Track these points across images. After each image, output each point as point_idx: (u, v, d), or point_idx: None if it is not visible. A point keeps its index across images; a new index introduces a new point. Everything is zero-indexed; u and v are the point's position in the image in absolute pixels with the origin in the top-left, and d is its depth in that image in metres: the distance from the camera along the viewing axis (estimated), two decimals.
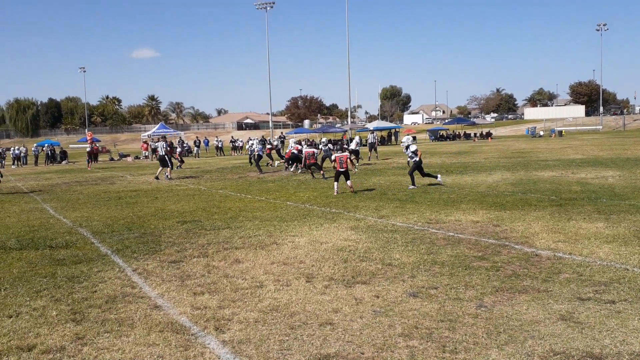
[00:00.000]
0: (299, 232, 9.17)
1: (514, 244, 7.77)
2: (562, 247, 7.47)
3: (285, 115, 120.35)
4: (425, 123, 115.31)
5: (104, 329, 4.87)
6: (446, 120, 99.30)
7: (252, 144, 26.19)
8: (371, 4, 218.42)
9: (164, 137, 24.36)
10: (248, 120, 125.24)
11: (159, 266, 7.15)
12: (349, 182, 14.68)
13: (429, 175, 15.71)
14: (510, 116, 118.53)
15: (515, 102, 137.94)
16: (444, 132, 67.70)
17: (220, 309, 5.34)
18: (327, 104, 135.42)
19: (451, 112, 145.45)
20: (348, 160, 14.92)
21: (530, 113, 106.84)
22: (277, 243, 8.37)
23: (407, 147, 16.73)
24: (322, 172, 19.70)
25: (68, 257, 7.79)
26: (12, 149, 43.78)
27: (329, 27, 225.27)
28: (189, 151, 41.24)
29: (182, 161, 29.41)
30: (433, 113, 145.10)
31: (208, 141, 55.91)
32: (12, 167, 39.46)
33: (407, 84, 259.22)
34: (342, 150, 16.36)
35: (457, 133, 66.88)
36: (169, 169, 21.68)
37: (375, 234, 8.82)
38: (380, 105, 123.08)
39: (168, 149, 23.03)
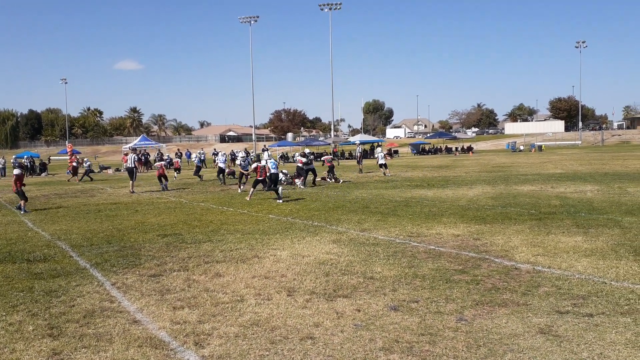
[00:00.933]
0: (281, 246, 9.14)
1: (494, 257, 7.83)
2: (541, 260, 7.55)
3: (269, 128, 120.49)
4: (408, 137, 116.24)
5: (82, 344, 4.80)
6: (428, 135, 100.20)
7: (217, 157, 26.88)
8: (355, 19, 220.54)
9: (134, 150, 24.05)
10: (231, 133, 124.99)
11: (138, 280, 7.06)
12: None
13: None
14: (491, 131, 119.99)
15: (496, 117, 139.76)
16: (425, 146, 68.28)
17: (200, 323, 5.29)
18: (311, 117, 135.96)
19: (433, 126, 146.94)
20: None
21: (510, 128, 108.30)
22: (259, 256, 8.34)
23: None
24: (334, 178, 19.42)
25: (46, 271, 7.67)
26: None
27: (313, 41, 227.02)
28: (170, 164, 40.90)
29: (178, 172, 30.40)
30: (415, 127, 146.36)
31: (190, 153, 55.58)
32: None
33: (389, 98, 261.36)
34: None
35: (439, 147, 67.54)
36: (132, 182, 21.57)
37: (357, 247, 8.83)
38: (363, 119, 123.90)
39: (136, 161, 22.85)
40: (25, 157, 43.99)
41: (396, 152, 61.70)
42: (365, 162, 32.54)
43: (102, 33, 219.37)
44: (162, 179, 22.40)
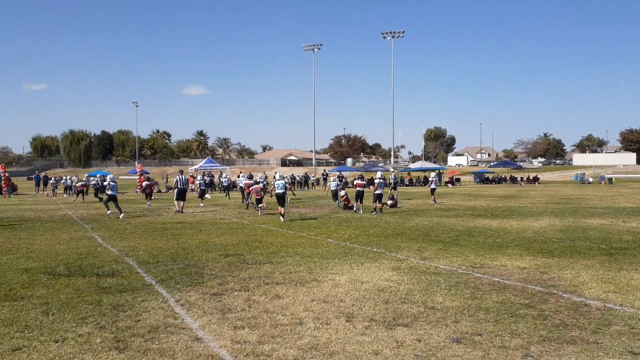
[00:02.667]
0: (340, 270, 9.12)
1: (562, 292, 7.51)
2: (612, 297, 7.17)
3: (329, 153, 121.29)
4: (470, 165, 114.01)
5: (146, 359, 4.93)
6: (492, 163, 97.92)
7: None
8: (417, 46, 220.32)
9: (181, 172, 24.21)
10: (292, 157, 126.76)
11: (201, 298, 7.22)
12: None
13: None
14: (558, 161, 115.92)
15: (564, 148, 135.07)
16: (489, 175, 66.68)
17: (259, 344, 5.33)
18: (371, 143, 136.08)
19: (497, 155, 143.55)
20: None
21: (579, 159, 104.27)
22: (318, 280, 8.35)
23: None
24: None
25: (114, 286, 7.97)
26: (64, 178, 45.44)
27: (375, 67, 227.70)
28: (233, 186, 41.88)
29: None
30: (478, 155, 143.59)
31: (252, 176, 56.69)
32: (64, 195, 40.91)
33: (452, 125, 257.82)
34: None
35: (503, 176, 65.76)
36: (183, 202, 22.16)
37: (418, 275, 8.69)
38: (424, 146, 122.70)
39: (185, 184, 23.06)
40: (97, 175, 46.10)
41: (458, 180, 60.60)
42: (423, 190, 32.11)
43: (172, 60, 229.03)
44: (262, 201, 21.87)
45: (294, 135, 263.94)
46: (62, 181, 45.14)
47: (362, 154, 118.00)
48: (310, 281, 8.28)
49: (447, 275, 8.67)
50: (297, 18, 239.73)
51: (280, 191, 18.57)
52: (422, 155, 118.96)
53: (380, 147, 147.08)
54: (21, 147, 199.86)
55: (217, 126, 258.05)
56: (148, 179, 30.51)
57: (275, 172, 30.14)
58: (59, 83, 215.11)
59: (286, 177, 35.06)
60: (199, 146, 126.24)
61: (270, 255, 10.76)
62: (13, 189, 40.90)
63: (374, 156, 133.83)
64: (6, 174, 40.48)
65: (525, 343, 5.36)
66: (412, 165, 65.28)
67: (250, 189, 22.57)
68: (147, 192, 28.64)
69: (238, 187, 30.99)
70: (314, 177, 56.33)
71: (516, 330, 5.77)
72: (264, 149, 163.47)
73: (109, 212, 20.28)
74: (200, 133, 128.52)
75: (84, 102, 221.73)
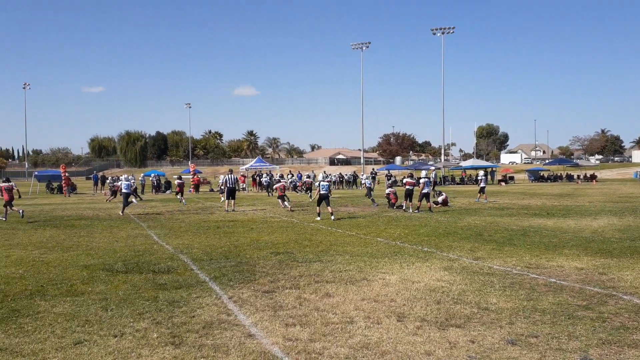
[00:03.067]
0: (390, 270, 9.07)
1: (622, 294, 7.22)
2: None
3: (377, 152, 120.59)
4: (524, 163, 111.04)
5: (201, 354, 5.05)
6: (547, 161, 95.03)
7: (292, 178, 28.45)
8: (467, 42, 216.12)
9: (230, 171, 24.65)
10: (340, 156, 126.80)
11: (253, 295, 7.34)
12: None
13: None
14: (616, 159, 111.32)
15: (622, 145, 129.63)
16: (544, 173, 64.71)
17: (311, 342, 5.37)
18: (420, 141, 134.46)
19: (552, 152, 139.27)
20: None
21: (638, 156, 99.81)
22: (368, 279, 8.33)
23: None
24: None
25: (169, 282, 8.20)
26: (122, 178, 47.03)
27: (424, 64, 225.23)
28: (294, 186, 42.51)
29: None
30: (532, 153, 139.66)
31: (301, 175, 57.10)
32: (120, 195, 42.32)
33: (504, 122, 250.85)
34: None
35: (559, 174, 63.70)
36: (233, 201, 22.93)
37: (471, 276, 8.54)
38: (476, 144, 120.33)
39: (234, 182, 23.70)
40: (152, 175, 47.45)
41: (512, 178, 59.10)
42: (469, 188, 31.39)
43: (224, 61, 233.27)
44: (285, 198, 23.95)
45: (342, 134, 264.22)
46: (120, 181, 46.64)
47: (411, 152, 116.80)
48: (360, 280, 8.27)
49: (501, 276, 8.49)
50: (346, 17, 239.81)
51: (324, 192, 19.03)
52: (473, 153, 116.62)
53: (430, 145, 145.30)
54: (80, 147, 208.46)
55: (267, 126, 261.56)
56: (180, 178, 31.46)
57: (321, 172, 30.78)
58: (116, 85, 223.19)
59: (333, 175, 36.05)
60: (249, 146, 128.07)
61: (320, 254, 10.81)
62: (73, 188, 42.63)
63: (423, 154, 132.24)
64: (66, 174, 42.23)
65: (583, 346, 5.19)
66: (464, 164, 64.05)
67: (275, 186, 24.05)
68: (177, 190, 29.49)
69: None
70: (362, 175, 56.14)
71: (574, 333, 5.59)
72: (313, 148, 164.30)
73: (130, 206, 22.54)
74: (251, 133, 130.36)
75: (140, 104, 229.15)
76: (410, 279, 8.29)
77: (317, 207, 19.08)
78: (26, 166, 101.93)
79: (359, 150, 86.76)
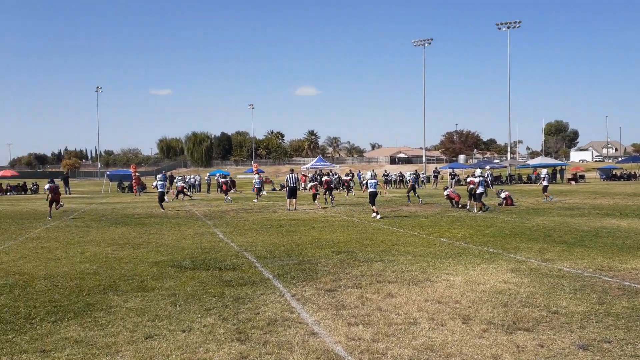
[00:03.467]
0: (454, 271, 8.90)
1: None
2: None
3: (440, 150, 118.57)
4: (595, 161, 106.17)
5: (265, 351, 5.14)
6: (620, 159, 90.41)
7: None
8: (535, 36, 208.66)
9: (292, 170, 25.75)
10: (401, 155, 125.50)
11: (315, 293, 7.39)
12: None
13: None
14: None
15: None
16: (617, 171, 61.62)
17: (374, 342, 5.35)
18: (485, 139, 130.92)
19: (625, 149, 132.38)
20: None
21: None
22: (431, 280, 8.21)
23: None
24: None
25: (234, 279, 8.38)
26: (188, 177, 48.54)
27: (489, 60, 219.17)
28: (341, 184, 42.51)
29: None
30: (604, 150, 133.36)
31: (361, 175, 56.96)
32: (188, 193, 43.71)
33: (574, 118, 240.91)
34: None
35: (633, 172, 60.47)
36: (294, 200, 23.31)
37: (539, 278, 8.25)
38: (544, 141, 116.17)
39: (296, 182, 24.58)
40: (217, 174, 48.70)
41: (582, 177, 56.64)
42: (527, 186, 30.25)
43: (285, 62, 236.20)
44: (317, 197, 25.29)
45: (403, 132, 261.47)
46: (187, 180, 48.20)
47: (475, 150, 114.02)
48: (423, 281, 8.16)
49: (571, 279, 8.15)
50: (407, 14, 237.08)
51: (372, 190, 19.67)
52: (541, 150, 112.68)
53: (495, 142, 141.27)
54: (149, 148, 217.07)
55: (328, 125, 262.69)
56: (224, 177, 32.87)
57: (369, 171, 31.48)
58: (182, 88, 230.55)
59: (393, 174, 36.58)
60: (310, 145, 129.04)
61: (382, 254, 10.74)
62: (142, 187, 44.38)
63: (488, 152, 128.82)
64: (137, 174, 44.01)
65: None
66: (531, 162, 61.94)
67: (308, 186, 25.33)
68: (224, 188, 31.16)
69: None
70: (424, 174, 55.39)
71: None
72: (373, 146, 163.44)
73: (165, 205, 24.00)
74: (312, 132, 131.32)
75: (205, 106, 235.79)
76: (475, 281, 8.10)
77: (372, 206, 19.28)
78: (99, 166, 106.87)
79: (421, 148, 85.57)
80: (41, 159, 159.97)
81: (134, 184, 42.66)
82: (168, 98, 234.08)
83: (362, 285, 7.89)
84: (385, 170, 60.66)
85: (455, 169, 52.13)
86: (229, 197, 29.58)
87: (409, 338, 5.46)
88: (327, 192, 26.30)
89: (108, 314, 6.48)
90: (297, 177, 24.93)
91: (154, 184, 27.29)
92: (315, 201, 24.51)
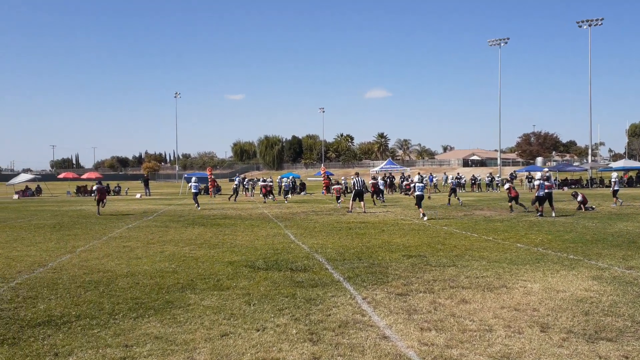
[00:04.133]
0: (532, 277, 8.59)
1: None
2: None
3: (515, 152, 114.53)
4: None
5: (337, 352, 5.17)
6: None
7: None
8: (618, 34, 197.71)
9: (357, 174, 25.75)
10: (475, 157, 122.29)
11: (386, 297, 7.35)
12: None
13: None
14: None
15: None
16: None
17: (447, 348, 5.26)
18: (564, 141, 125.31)
19: None
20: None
21: None
22: (507, 287, 7.97)
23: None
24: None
25: (306, 280, 8.49)
26: (260, 180, 49.57)
27: (568, 59, 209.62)
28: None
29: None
30: None
31: (432, 177, 56.05)
32: (260, 195, 44.64)
33: None
34: None
35: None
36: (362, 202, 23.62)
37: (623, 286, 7.82)
38: (628, 143, 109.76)
39: (363, 185, 24.82)
40: (289, 177, 49.43)
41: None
42: (630, 191, 28.62)
43: (356, 65, 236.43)
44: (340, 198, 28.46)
45: (476, 134, 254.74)
46: (260, 182, 49.21)
47: (554, 152, 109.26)
48: (498, 287, 7.94)
49: None
50: (481, 13, 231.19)
51: (420, 193, 20.73)
52: (624, 153, 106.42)
53: (575, 144, 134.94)
54: (224, 151, 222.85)
55: (398, 127, 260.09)
56: (264, 180, 34.23)
57: (417, 174, 32.55)
58: (255, 93, 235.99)
59: (463, 178, 37.26)
60: (379, 148, 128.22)
61: (455, 258, 10.53)
62: (218, 189, 45.75)
63: (567, 154, 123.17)
64: (212, 176, 45.41)
65: None
66: (614, 164, 58.67)
67: (332, 188, 28.53)
68: (263, 192, 32.85)
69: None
70: (498, 177, 53.74)
71: None
72: (445, 149, 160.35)
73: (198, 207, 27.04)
74: (381, 135, 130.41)
75: (277, 110, 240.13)
76: (554, 288, 7.79)
77: (419, 209, 20.19)
78: (176, 169, 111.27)
79: (495, 150, 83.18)
80: (123, 162, 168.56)
81: (209, 186, 44.05)
82: (241, 102, 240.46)
83: (434, 290, 7.78)
84: (458, 173, 59.34)
85: (531, 172, 50.22)
86: (272, 197, 33.29)
87: (485, 345, 5.32)
88: (375, 195, 29.66)
89: (186, 312, 6.73)
90: (364, 181, 25.15)
91: (189, 185, 31.80)
92: (340, 200, 28.28)
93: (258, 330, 5.90)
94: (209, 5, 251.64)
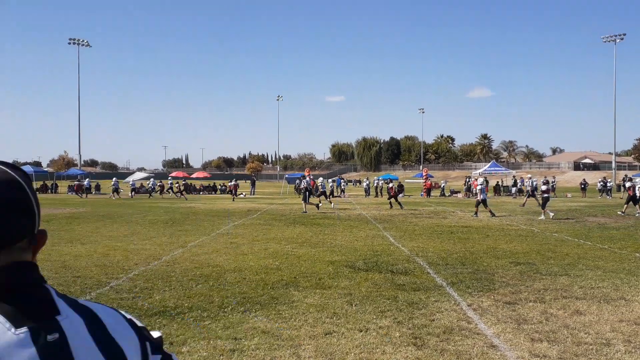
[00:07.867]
0: None
1: None
2: None
3: (633, 156, 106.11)
4: None
5: (443, 359, 5.06)
6: None
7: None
8: None
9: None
10: (586, 160, 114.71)
11: (493, 305, 7.10)
12: None
13: None
14: None
15: None
16: None
17: None
18: None
19: None
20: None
21: None
22: (626, 299, 7.40)
23: None
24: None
25: (407, 283, 8.39)
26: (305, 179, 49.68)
27: None
28: (519, 190, 40.30)
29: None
30: None
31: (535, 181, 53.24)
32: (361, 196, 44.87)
33: None
34: None
35: None
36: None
37: None
38: None
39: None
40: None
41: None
42: None
43: (458, 64, 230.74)
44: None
45: (589, 136, 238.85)
46: (363, 183, 49.40)
47: None
48: (616, 299, 7.40)
49: None
50: (593, 8, 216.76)
51: (483, 196, 22.23)
52: None
53: None
54: (322, 153, 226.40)
55: (502, 128, 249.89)
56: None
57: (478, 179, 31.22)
58: (354, 95, 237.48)
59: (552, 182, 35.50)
60: (482, 150, 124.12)
61: (567, 267, 9.95)
62: (317, 190, 46.48)
63: None
64: (311, 177, 46.25)
65: None
66: None
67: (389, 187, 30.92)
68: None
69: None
70: (609, 182, 49.99)
71: None
72: (554, 151, 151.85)
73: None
74: (484, 136, 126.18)
75: (375, 111, 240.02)
76: None
77: (486, 208, 21.31)
78: (278, 169, 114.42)
79: (610, 153, 77.52)
80: (228, 162, 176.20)
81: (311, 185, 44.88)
82: (341, 104, 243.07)
83: (545, 299, 7.39)
84: (553, 177, 55.98)
85: None
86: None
87: (602, 359, 4.99)
88: (393, 198, 28.93)
89: (290, 308, 6.89)
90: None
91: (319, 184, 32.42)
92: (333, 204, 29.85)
93: (361, 331, 5.91)
94: (309, 9, 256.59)
